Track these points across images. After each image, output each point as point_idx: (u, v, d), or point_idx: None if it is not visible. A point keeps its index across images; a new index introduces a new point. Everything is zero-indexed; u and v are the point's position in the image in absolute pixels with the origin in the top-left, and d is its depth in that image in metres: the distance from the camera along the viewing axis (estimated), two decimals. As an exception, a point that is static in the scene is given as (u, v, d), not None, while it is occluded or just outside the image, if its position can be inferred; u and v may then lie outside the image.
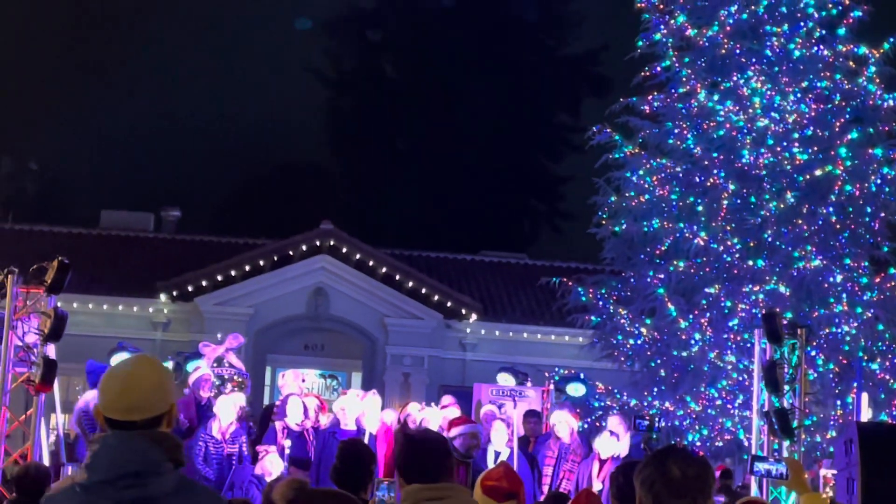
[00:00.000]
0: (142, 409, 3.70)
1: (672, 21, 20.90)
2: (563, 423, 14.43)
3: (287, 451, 13.11)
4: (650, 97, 20.98)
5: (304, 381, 16.21)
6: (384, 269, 27.99)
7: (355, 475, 6.50)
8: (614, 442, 13.73)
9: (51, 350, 12.00)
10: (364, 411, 13.76)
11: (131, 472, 3.57)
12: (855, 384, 17.53)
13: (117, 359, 14.60)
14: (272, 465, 12.35)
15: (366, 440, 13.04)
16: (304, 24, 48.44)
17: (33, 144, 45.81)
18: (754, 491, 13.07)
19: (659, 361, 20.30)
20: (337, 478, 6.46)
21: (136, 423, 3.68)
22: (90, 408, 12.94)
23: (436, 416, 14.26)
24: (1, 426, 12.26)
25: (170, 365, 15.47)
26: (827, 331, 18.71)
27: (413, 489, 4.82)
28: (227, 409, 13.18)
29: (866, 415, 16.65)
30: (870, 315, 18.81)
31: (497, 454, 13.74)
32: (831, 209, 19.20)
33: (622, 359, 21.01)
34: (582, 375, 19.65)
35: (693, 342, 19.60)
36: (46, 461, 12.42)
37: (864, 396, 16.79)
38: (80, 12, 53.24)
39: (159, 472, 3.61)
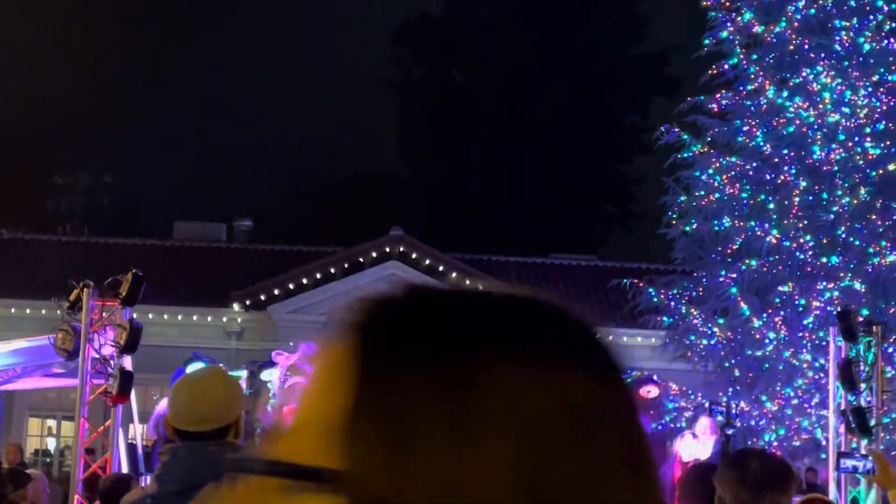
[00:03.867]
0: (210, 420, 3.72)
1: (739, 18, 20.72)
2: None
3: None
4: (718, 95, 20.82)
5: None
6: (454, 274, 28.03)
7: None
8: (695, 444, 13.59)
9: (127, 362, 12.16)
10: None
11: (202, 482, 3.60)
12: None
13: (192, 369, 14.82)
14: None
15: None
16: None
17: (108, 159, 46.53)
18: (833, 490, 12.93)
19: (733, 361, 20.12)
20: None
21: (204, 434, 3.72)
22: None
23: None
24: (80, 438, 12.46)
25: (244, 374, 15.63)
26: (904, 327, 18.43)
27: None
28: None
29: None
30: (948, 311, 18.52)
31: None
32: (905, 204, 18.93)
33: (695, 359, 20.86)
34: (655, 377, 19.54)
35: (767, 341, 19.41)
36: (125, 471, 12.60)
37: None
38: (153, 27, 54.00)
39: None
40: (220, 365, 4.20)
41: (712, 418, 15.02)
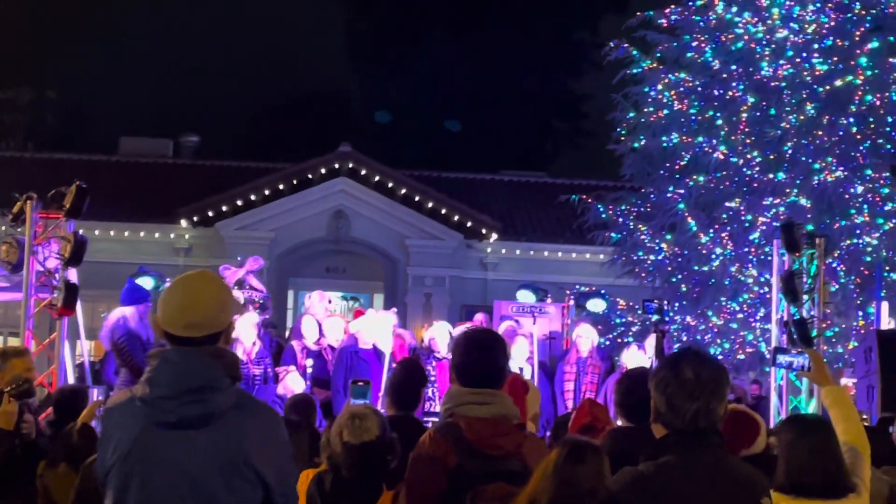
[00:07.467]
0: (202, 327, 3.72)
1: (688, -69, 20.62)
2: (586, 338, 14.43)
3: (309, 371, 13.18)
4: (668, 10, 20.75)
5: (330, 301, 16.21)
6: (404, 190, 27.98)
7: (409, 393, 6.60)
8: (641, 356, 13.69)
9: (72, 274, 12.06)
10: (377, 331, 13.76)
11: (194, 387, 3.59)
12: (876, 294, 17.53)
13: (140, 283, 14.67)
14: (294, 383, 12.44)
15: (386, 359, 13.11)
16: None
17: (52, 74, 45.83)
18: (774, 400, 13.14)
19: (680, 277, 20.32)
20: (393, 396, 6.53)
21: (195, 340, 3.71)
22: (130, 325, 12.76)
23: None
24: (26, 351, 12.38)
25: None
26: (848, 242, 18.64)
27: (456, 391, 4.80)
28: (248, 330, 13.19)
29: (887, 324, 16.66)
30: (891, 225, 18.69)
31: (521, 370, 13.77)
32: (852, 120, 18.99)
33: (643, 275, 21.04)
34: (603, 292, 19.67)
35: (714, 256, 19.58)
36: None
37: (885, 306, 16.80)
38: (94, -61, 52.93)
39: (220, 388, 3.63)
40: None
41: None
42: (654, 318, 13.85)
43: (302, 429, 6.00)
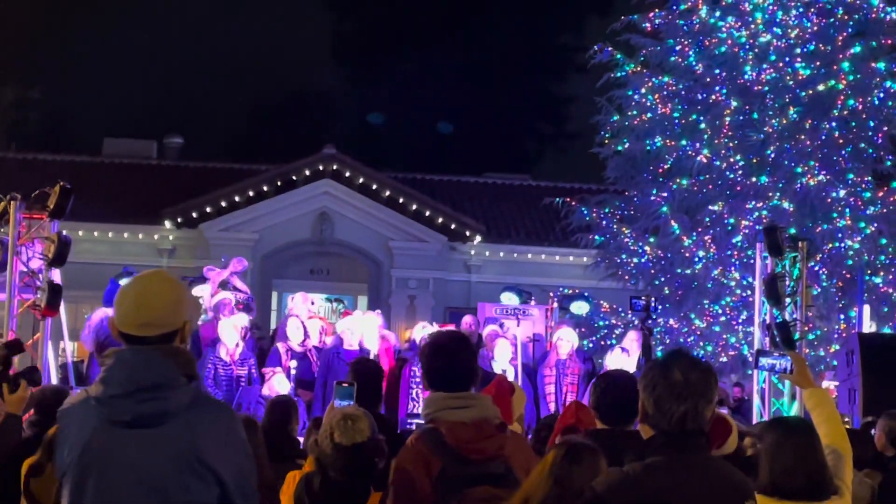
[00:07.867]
0: (156, 326, 3.72)
1: (672, -64, 20.69)
2: (566, 341, 14.44)
3: (293, 372, 13.20)
4: (651, 14, 20.83)
5: (313, 303, 16.22)
6: (388, 193, 27.97)
7: (369, 391, 6.60)
8: (625, 358, 13.71)
9: (56, 275, 12.05)
10: (364, 331, 13.79)
11: (148, 385, 3.60)
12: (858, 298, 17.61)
13: (125, 283, 14.65)
14: (279, 384, 12.45)
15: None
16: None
17: (36, 74, 45.68)
18: (756, 403, 13.20)
19: (663, 279, 20.36)
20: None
21: (150, 339, 3.71)
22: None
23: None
24: (9, 351, 12.35)
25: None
26: (830, 246, 18.73)
27: (436, 397, 4.80)
28: (230, 332, 13.21)
29: (868, 328, 16.74)
30: (872, 229, 18.82)
31: (504, 372, 13.77)
32: (834, 124, 19.12)
33: (626, 277, 21.09)
34: (586, 295, 19.71)
35: (697, 260, 19.64)
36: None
37: (867, 309, 16.87)
38: (78, -61, 52.78)
39: (175, 386, 3.64)
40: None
41: (639, 332, 15.18)
42: (642, 315, 13.91)
43: (256, 428, 6.01)
